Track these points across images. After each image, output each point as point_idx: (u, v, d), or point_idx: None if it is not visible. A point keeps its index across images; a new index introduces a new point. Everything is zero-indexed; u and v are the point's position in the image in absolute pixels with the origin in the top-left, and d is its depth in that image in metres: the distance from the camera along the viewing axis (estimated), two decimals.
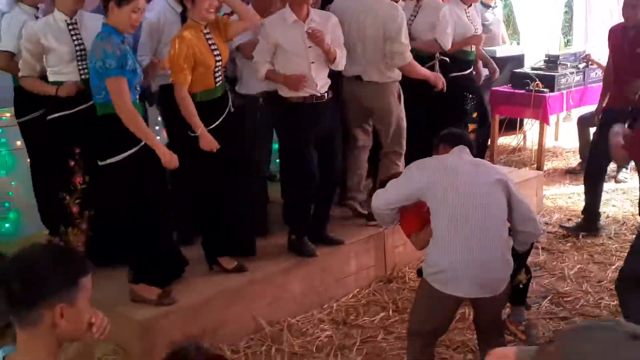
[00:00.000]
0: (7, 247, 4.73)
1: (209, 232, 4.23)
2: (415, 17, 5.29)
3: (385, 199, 3.40)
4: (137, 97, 3.76)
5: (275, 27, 4.22)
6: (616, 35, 5.13)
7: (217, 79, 4.02)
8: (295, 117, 4.30)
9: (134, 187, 3.70)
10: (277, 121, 4.51)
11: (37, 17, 4.28)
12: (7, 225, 4.92)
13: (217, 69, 3.99)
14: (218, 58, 3.98)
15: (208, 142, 3.91)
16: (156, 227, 3.83)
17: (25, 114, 4.37)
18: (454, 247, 3.08)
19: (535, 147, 7.10)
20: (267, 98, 4.61)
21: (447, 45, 5.24)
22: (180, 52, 3.82)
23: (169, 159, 3.69)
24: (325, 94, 4.36)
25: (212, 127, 3.97)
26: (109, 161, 3.66)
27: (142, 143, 3.65)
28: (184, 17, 4.23)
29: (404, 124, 4.86)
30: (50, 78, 4.05)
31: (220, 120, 4.04)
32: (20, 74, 4.11)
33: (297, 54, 4.22)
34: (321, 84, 4.33)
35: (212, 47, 3.96)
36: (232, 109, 4.16)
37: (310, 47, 4.23)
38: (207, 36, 3.96)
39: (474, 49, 5.73)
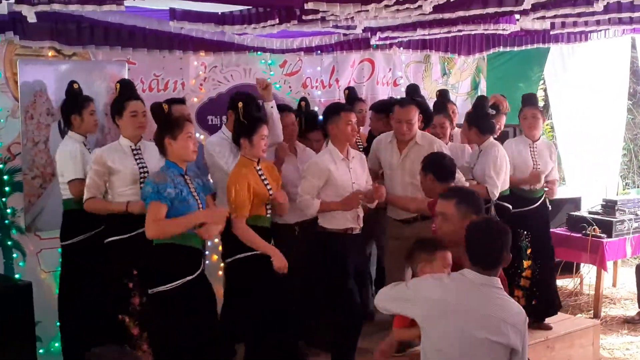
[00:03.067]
0: None
1: None
2: (476, 161, 5.26)
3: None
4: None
5: (327, 163, 4.40)
6: None
7: (268, 210, 4.26)
8: (339, 247, 4.40)
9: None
10: (318, 251, 4.52)
11: (85, 145, 4.51)
12: (56, 344, 4.93)
13: (268, 202, 4.22)
14: (271, 192, 4.22)
15: (280, 259, 4.08)
16: None
17: (70, 237, 4.50)
18: None
19: (592, 291, 6.90)
20: (302, 227, 4.70)
21: (494, 195, 5.09)
22: (242, 187, 4.05)
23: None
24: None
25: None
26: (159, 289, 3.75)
27: (196, 273, 3.77)
28: None
29: None
30: (113, 200, 4.22)
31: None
32: (85, 197, 4.23)
33: (345, 188, 4.41)
34: (361, 217, 4.51)
35: (265, 182, 4.20)
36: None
37: (354, 182, 4.44)
38: (260, 172, 4.21)
39: (537, 186, 5.50)
